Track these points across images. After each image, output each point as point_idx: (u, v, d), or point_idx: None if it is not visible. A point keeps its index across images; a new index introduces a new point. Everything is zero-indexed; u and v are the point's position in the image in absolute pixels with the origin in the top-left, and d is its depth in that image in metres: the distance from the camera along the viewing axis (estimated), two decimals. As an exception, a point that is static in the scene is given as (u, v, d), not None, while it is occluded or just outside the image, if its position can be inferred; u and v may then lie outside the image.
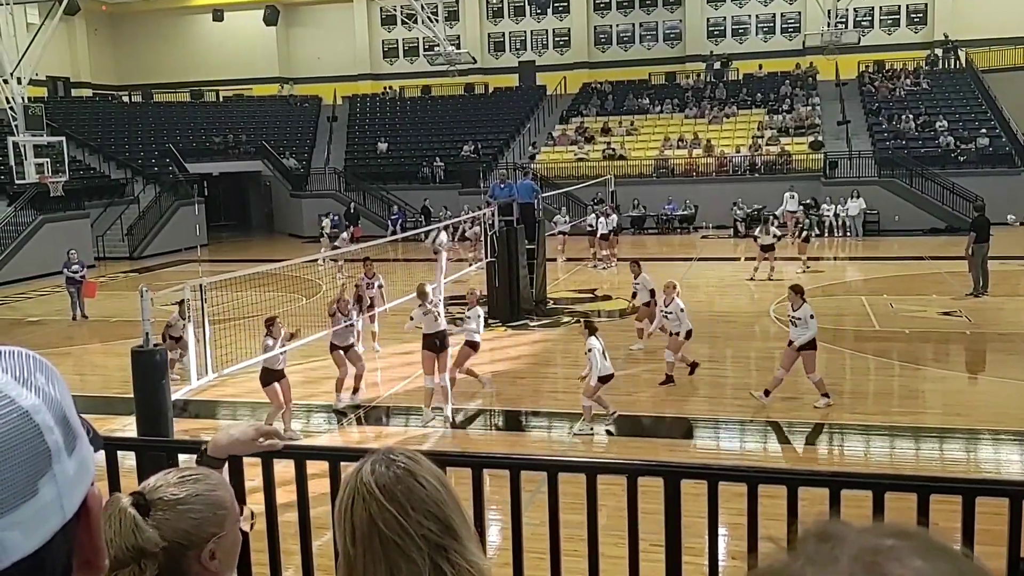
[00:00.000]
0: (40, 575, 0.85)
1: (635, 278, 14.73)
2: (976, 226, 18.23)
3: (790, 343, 11.14)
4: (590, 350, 10.46)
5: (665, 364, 12.39)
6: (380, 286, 15.01)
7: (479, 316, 11.90)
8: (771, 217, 24.51)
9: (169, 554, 1.48)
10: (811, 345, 11.06)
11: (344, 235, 27.26)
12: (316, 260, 20.98)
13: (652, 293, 14.36)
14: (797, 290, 11.35)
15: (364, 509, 1.51)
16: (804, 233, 23.71)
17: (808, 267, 21.84)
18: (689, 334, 12.44)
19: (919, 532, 0.70)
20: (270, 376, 10.48)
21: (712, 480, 3.35)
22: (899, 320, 16.13)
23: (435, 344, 11.28)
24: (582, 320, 11.75)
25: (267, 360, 10.39)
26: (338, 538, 1.55)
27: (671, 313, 12.38)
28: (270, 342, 10.36)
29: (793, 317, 11.16)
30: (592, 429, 10.61)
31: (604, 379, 10.48)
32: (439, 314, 11.29)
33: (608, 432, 10.54)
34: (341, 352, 11.99)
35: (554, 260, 23.08)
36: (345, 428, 11.28)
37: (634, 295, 14.90)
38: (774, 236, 20.92)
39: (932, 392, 12.11)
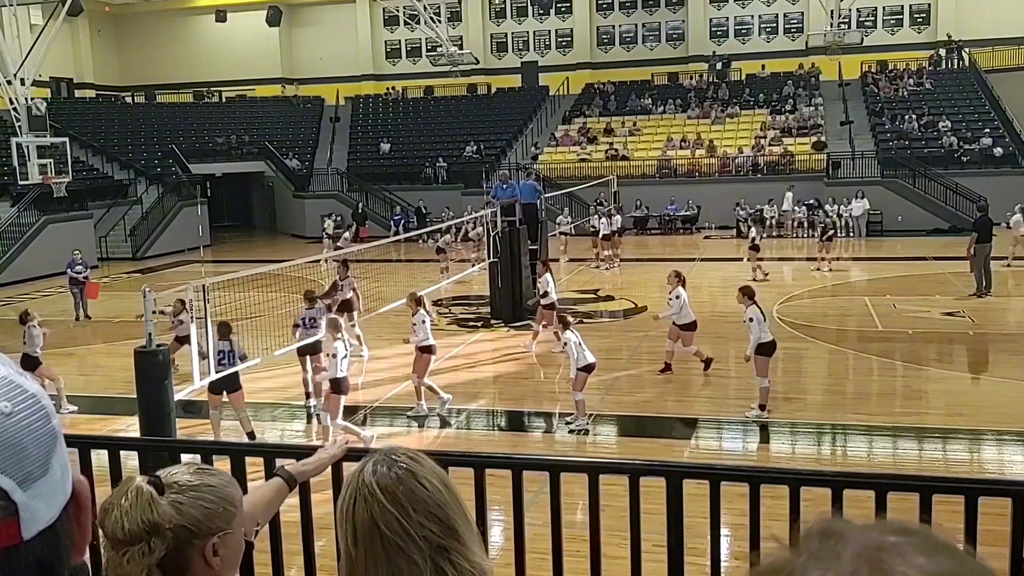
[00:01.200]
0: (58, 545, 0.90)
1: (539, 277, 14.89)
2: (978, 226, 18.22)
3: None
4: (566, 343, 10.64)
5: (694, 357, 12.67)
6: (354, 289, 14.70)
7: (423, 321, 11.48)
8: (764, 219, 24.49)
9: (176, 539, 1.48)
10: (765, 350, 10.70)
11: (346, 235, 27.26)
12: (319, 260, 20.98)
13: (545, 295, 14.65)
14: (745, 291, 10.97)
15: (366, 510, 1.51)
16: (828, 232, 23.27)
17: (819, 268, 21.79)
18: (692, 326, 12.55)
19: (922, 529, 0.70)
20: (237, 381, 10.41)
21: (714, 480, 3.34)
22: (902, 320, 16.11)
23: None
24: (555, 316, 11.86)
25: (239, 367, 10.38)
26: (340, 539, 1.55)
27: (671, 300, 12.63)
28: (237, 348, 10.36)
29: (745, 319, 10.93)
30: (588, 424, 10.63)
31: (586, 369, 10.53)
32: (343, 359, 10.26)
33: (571, 432, 10.56)
34: (321, 355, 11.59)
35: (557, 260, 23.08)
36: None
37: (544, 295, 14.92)
38: (759, 236, 21.09)
39: (935, 392, 12.11)
